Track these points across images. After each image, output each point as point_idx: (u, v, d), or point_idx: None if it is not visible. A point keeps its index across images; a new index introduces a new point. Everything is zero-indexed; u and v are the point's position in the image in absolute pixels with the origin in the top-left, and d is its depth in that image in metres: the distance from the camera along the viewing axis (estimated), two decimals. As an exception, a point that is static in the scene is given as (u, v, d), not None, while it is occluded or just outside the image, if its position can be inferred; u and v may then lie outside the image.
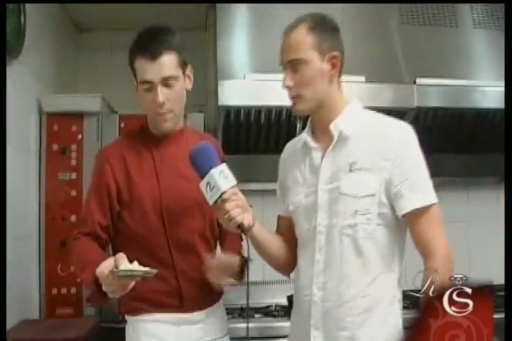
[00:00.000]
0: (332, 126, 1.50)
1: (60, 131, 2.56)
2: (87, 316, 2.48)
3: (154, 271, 1.39)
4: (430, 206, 1.44)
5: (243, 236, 1.51)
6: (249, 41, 2.54)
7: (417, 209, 1.43)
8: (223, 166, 1.46)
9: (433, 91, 2.49)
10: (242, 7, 2.57)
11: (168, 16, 3.09)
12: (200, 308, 1.72)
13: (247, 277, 1.52)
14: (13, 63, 2.23)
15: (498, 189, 2.74)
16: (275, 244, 1.64)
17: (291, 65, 1.48)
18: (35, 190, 2.53)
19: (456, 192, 3.05)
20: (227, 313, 2.50)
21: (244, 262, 1.66)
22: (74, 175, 2.55)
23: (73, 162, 2.56)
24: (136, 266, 1.38)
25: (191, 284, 1.69)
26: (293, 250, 1.63)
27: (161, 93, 1.63)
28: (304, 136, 1.57)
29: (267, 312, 2.64)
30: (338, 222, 1.47)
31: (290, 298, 2.46)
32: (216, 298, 1.79)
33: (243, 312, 2.48)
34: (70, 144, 2.56)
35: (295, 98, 1.51)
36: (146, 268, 1.38)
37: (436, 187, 3.10)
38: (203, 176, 1.46)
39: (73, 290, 2.50)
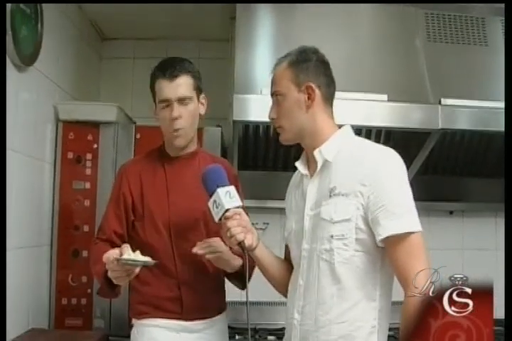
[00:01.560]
0: (316, 153, 1.55)
1: (75, 139, 2.55)
2: (96, 328, 2.47)
3: (154, 261, 1.58)
4: (408, 234, 1.40)
5: (245, 255, 1.55)
6: (269, 55, 2.48)
7: (393, 236, 1.40)
8: (231, 188, 1.57)
9: (459, 112, 2.39)
10: (263, 20, 2.54)
11: (191, 27, 3.09)
12: (200, 318, 1.83)
13: (247, 295, 1.53)
14: (29, 70, 2.22)
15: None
16: (278, 267, 1.69)
17: (275, 97, 1.59)
18: (49, 198, 2.53)
19: (483, 218, 2.97)
20: (238, 333, 2.46)
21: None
22: (88, 185, 2.54)
23: (88, 171, 2.55)
24: (138, 255, 1.56)
25: (192, 294, 1.82)
26: None
27: (176, 109, 1.79)
28: (297, 164, 1.63)
29: (280, 334, 2.58)
30: (317, 247, 1.50)
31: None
32: (218, 311, 1.90)
33: (256, 334, 2.43)
34: (86, 153, 2.55)
35: (279, 128, 1.60)
36: (147, 259, 1.57)
37: (462, 212, 3.01)
38: (211, 195, 1.57)
39: (83, 301, 2.49)
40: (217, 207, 1.55)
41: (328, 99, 1.59)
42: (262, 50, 2.49)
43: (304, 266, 1.53)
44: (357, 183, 1.45)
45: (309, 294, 1.50)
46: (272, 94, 1.60)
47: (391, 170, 1.46)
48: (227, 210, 1.53)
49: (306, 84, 1.54)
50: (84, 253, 2.48)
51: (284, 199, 2.43)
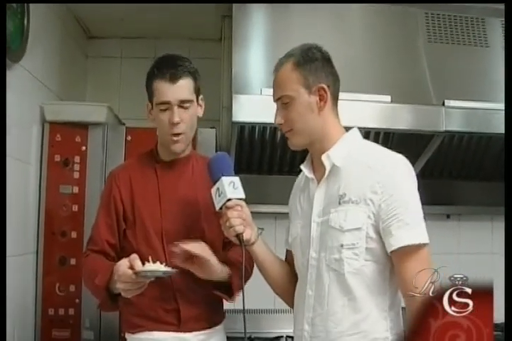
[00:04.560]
0: (324, 157, 1.50)
1: (63, 141, 2.45)
2: (85, 340, 2.37)
3: (174, 270, 1.55)
4: (419, 245, 1.38)
5: (242, 248, 1.53)
6: (266, 54, 2.43)
7: (404, 247, 1.38)
8: (236, 178, 1.55)
9: (463, 114, 2.36)
10: (260, 18, 2.48)
11: (180, 26, 3.02)
12: (198, 329, 1.76)
13: (243, 303, 1.51)
14: (15, 67, 2.13)
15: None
16: (278, 267, 1.64)
17: (281, 102, 1.53)
18: (34, 203, 2.42)
19: (480, 221, 2.96)
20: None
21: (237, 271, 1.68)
22: (76, 189, 2.44)
23: (76, 175, 2.45)
24: (158, 265, 1.52)
25: (189, 305, 1.75)
26: None
27: (177, 114, 1.71)
28: (302, 167, 1.59)
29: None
30: (326, 256, 1.46)
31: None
32: (216, 321, 1.83)
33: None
34: (73, 156, 2.45)
35: (288, 133, 1.54)
36: (167, 268, 1.53)
37: (459, 215, 3.00)
38: (214, 182, 1.55)
39: (71, 311, 2.39)
40: (219, 196, 1.53)
41: (336, 98, 1.55)
42: (259, 49, 2.44)
43: (312, 276, 1.49)
44: (368, 191, 1.41)
45: (319, 305, 1.46)
46: (278, 99, 1.53)
47: (403, 179, 1.43)
48: (229, 200, 1.51)
49: (318, 86, 1.49)
50: (72, 261, 2.39)
51: (278, 204, 2.41)
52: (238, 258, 1.73)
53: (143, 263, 1.52)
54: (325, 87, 1.49)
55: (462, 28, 2.56)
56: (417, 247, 1.38)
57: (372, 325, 1.42)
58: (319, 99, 1.49)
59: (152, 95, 1.75)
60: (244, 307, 1.48)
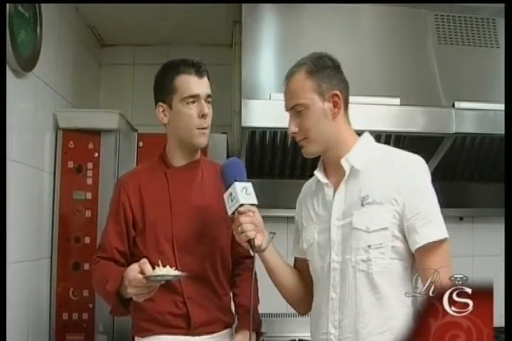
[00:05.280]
0: (343, 161, 1.52)
1: (76, 148, 2.47)
2: (98, 344, 2.40)
3: (183, 274, 1.54)
4: (442, 241, 1.44)
5: (253, 253, 1.57)
6: (276, 59, 2.44)
7: (430, 243, 1.42)
8: (248, 184, 1.56)
9: (473, 116, 2.34)
10: (269, 23, 2.50)
11: (191, 32, 3.03)
12: (208, 333, 1.77)
13: (251, 306, 1.56)
14: (28, 76, 2.16)
15: (538, 221, 2.59)
16: (288, 273, 1.66)
17: (294, 110, 1.54)
18: (48, 208, 2.45)
19: (493, 223, 2.92)
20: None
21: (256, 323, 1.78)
22: (89, 195, 2.46)
23: (89, 181, 2.46)
24: (168, 269, 1.52)
25: (199, 309, 1.75)
26: (310, 290, 1.63)
27: (205, 106, 1.75)
28: (316, 173, 1.60)
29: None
30: (352, 258, 1.48)
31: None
32: (225, 325, 1.82)
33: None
34: (86, 162, 2.47)
35: (302, 141, 1.55)
36: (177, 272, 1.53)
37: (472, 218, 2.97)
38: (227, 187, 1.56)
39: (85, 316, 2.41)
40: (231, 201, 1.54)
41: (347, 104, 1.57)
42: (268, 54, 2.45)
43: (336, 279, 1.50)
44: (391, 191, 1.45)
45: (346, 307, 1.48)
46: (292, 108, 1.54)
47: (423, 178, 1.48)
48: (241, 205, 1.52)
49: (332, 93, 1.51)
50: (86, 266, 2.40)
51: (291, 208, 2.40)
52: (245, 292, 1.83)
53: (153, 268, 1.52)
54: (338, 93, 1.52)
55: (473, 29, 2.54)
56: (440, 243, 1.43)
57: (398, 321, 1.44)
58: (333, 105, 1.51)
59: (172, 92, 1.75)
60: (251, 308, 1.52)
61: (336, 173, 1.54)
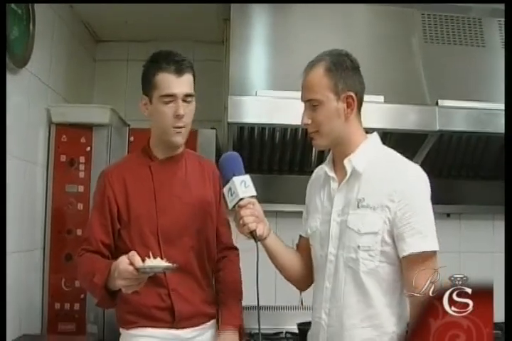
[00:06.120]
0: (346, 162, 1.57)
1: (68, 142, 2.51)
2: (89, 333, 2.44)
3: (174, 266, 1.53)
4: (429, 253, 1.47)
5: (256, 244, 1.60)
6: (264, 56, 2.47)
7: (414, 253, 1.46)
8: (246, 177, 1.60)
9: (457, 114, 2.36)
10: (258, 20, 2.52)
11: (185, 29, 3.06)
12: (192, 326, 1.79)
13: (258, 300, 1.55)
14: (21, 72, 2.20)
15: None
16: (290, 256, 1.73)
17: (309, 103, 1.57)
18: (41, 201, 2.49)
19: (480, 220, 2.96)
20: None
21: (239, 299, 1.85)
22: (81, 188, 2.50)
23: (81, 174, 2.51)
24: (160, 261, 1.52)
25: (183, 302, 1.77)
26: (309, 267, 1.71)
27: (181, 107, 1.73)
28: (324, 166, 1.65)
29: (276, 339, 2.57)
30: (344, 254, 1.55)
31: (300, 326, 2.38)
32: (209, 317, 1.85)
33: (251, 338, 2.40)
34: (79, 156, 2.51)
35: (313, 133, 1.59)
36: (167, 264, 1.52)
37: (459, 214, 2.99)
38: (226, 182, 1.61)
39: (76, 306, 2.46)
40: (231, 195, 1.59)
41: (361, 104, 1.60)
42: (256, 51, 2.47)
43: (330, 270, 1.57)
44: (385, 198, 1.49)
45: (335, 298, 1.56)
46: (307, 101, 1.58)
47: (419, 190, 1.51)
48: (241, 199, 1.57)
49: (347, 94, 1.54)
50: (78, 258, 2.44)
51: (280, 203, 2.39)
52: (234, 279, 1.88)
53: (142, 260, 1.52)
54: (353, 95, 1.55)
55: (459, 28, 2.56)
56: (427, 254, 1.47)
57: (382, 320, 1.51)
58: (347, 106, 1.55)
59: (153, 88, 1.74)
60: (258, 303, 1.53)
61: (342, 169, 1.60)
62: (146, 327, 1.76)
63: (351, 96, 1.54)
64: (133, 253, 1.54)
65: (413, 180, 1.52)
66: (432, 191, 2.68)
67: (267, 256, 1.68)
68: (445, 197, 2.86)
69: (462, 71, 2.48)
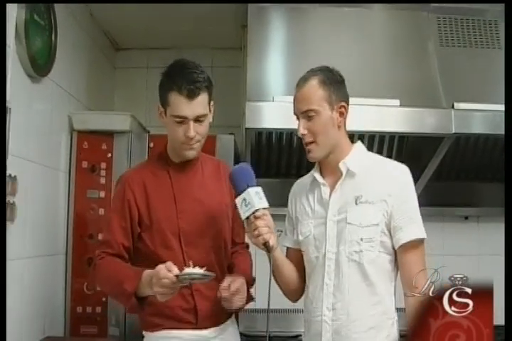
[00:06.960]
0: (341, 165, 1.67)
1: (90, 148, 2.57)
2: (110, 336, 2.48)
3: (213, 274, 1.60)
4: (422, 240, 1.62)
5: (267, 254, 1.62)
6: (282, 61, 2.50)
7: (412, 240, 1.59)
8: (259, 189, 1.62)
9: (472, 116, 2.37)
10: (275, 26, 2.55)
11: (204, 36, 3.10)
12: (214, 325, 1.81)
13: (268, 305, 1.57)
14: (43, 81, 2.25)
15: (541, 220, 2.61)
16: (290, 269, 1.77)
17: (305, 114, 1.66)
18: (63, 207, 2.54)
19: (498, 223, 2.92)
20: (252, 341, 2.44)
21: (250, 284, 1.83)
22: (102, 194, 2.55)
23: (102, 180, 2.56)
24: (198, 269, 1.57)
25: (206, 302, 1.79)
26: (302, 279, 1.77)
27: (193, 128, 1.73)
28: (313, 174, 1.74)
29: (294, 342, 2.57)
30: (346, 249, 1.63)
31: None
32: (228, 315, 1.87)
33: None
34: (100, 162, 2.56)
35: (310, 144, 1.67)
36: (206, 272, 1.57)
37: (477, 217, 2.96)
38: (240, 193, 1.62)
39: (98, 309, 2.50)
40: (246, 206, 1.60)
41: (347, 115, 1.71)
42: (273, 57, 2.50)
43: (330, 267, 1.64)
44: (383, 193, 1.62)
45: (340, 292, 1.62)
46: (303, 112, 1.65)
47: (410, 185, 1.67)
48: (257, 210, 1.59)
49: (340, 104, 1.66)
50: (100, 262, 2.48)
51: None
52: (246, 267, 1.90)
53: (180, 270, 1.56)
54: (345, 105, 1.67)
55: (475, 31, 2.57)
56: (420, 242, 1.61)
57: (386, 306, 1.63)
58: (339, 115, 1.66)
59: (166, 104, 1.74)
60: (268, 307, 1.55)
61: (332, 175, 1.70)
62: (171, 328, 1.77)
63: (344, 106, 1.66)
64: (170, 263, 1.58)
65: (405, 178, 1.66)
66: (449, 194, 2.69)
67: (272, 266, 1.67)
68: (463, 200, 2.88)
69: (478, 73, 2.49)
